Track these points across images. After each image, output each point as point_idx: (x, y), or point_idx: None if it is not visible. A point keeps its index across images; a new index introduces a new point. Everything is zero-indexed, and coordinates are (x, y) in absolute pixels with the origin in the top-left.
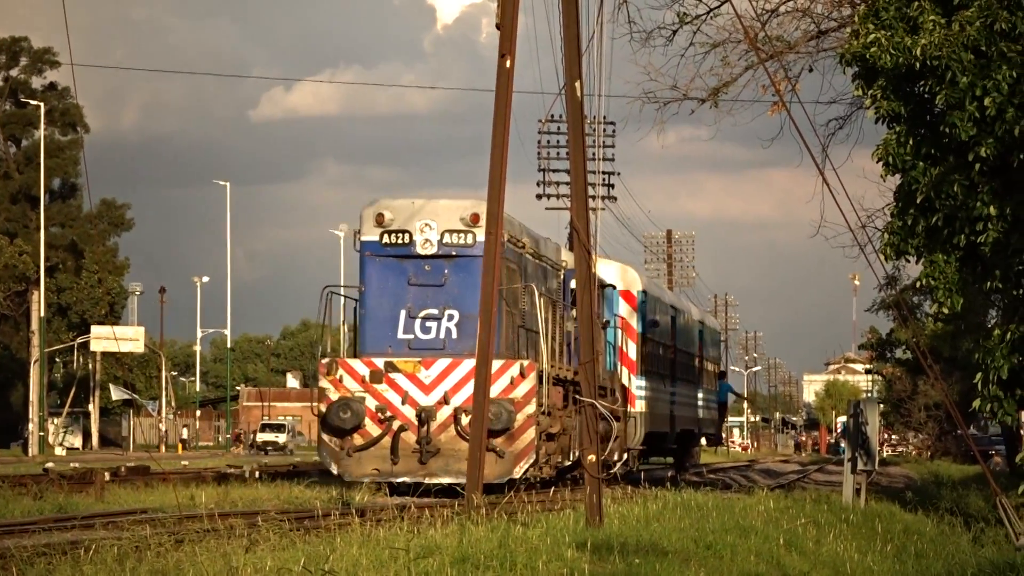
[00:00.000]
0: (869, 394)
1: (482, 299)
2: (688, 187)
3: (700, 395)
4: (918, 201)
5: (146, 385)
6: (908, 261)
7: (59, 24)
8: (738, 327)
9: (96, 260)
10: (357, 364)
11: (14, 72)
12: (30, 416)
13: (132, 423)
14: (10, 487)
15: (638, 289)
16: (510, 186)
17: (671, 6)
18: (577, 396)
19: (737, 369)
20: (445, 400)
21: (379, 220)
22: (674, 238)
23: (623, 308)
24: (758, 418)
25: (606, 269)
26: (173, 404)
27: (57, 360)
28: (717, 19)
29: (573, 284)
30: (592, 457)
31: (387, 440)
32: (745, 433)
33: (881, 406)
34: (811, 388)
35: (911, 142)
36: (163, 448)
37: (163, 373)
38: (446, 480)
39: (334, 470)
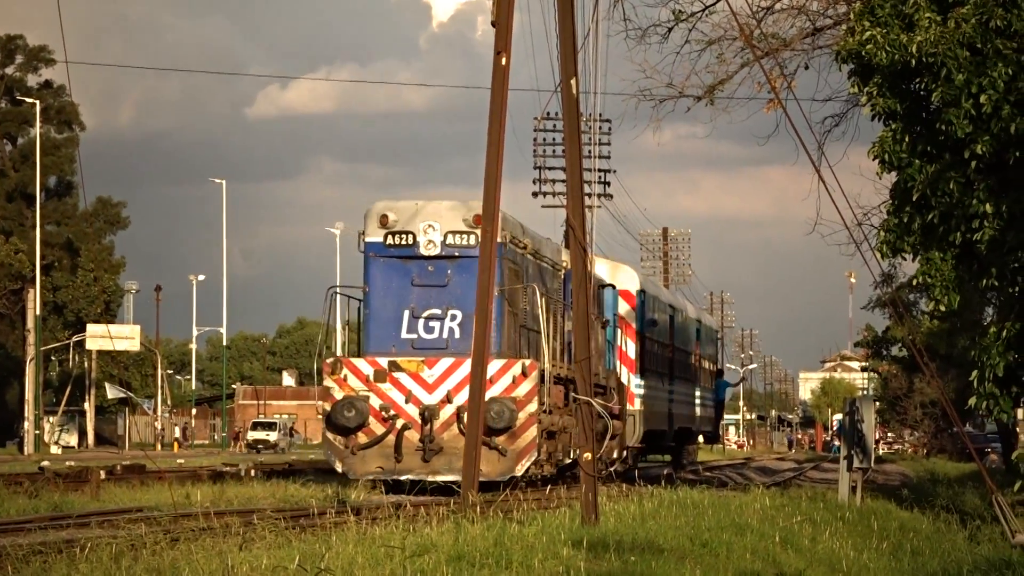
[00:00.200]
0: (865, 392)
1: (478, 295)
2: (684, 185)
3: (697, 393)
4: (914, 198)
5: (142, 383)
6: (904, 259)
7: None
8: (734, 325)
9: (92, 258)
10: (361, 363)
11: (9, 70)
12: (26, 414)
13: (128, 421)
14: (6, 485)
15: (637, 289)
16: (506, 184)
17: (666, 3)
18: (575, 395)
19: (733, 367)
20: (448, 399)
21: (383, 221)
22: (670, 236)
23: (622, 307)
24: (754, 416)
25: (605, 269)
26: (169, 402)
27: (53, 358)
28: (713, 16)
29: None
30: (588, 455)
31: (391, 438)
32: (741, 431)
33: (877, 404)
34: (807, 386)
35: (907, 139)
36: (159, 446)
37: (159, 371)
38: (449, 478)
39: (339, 468)
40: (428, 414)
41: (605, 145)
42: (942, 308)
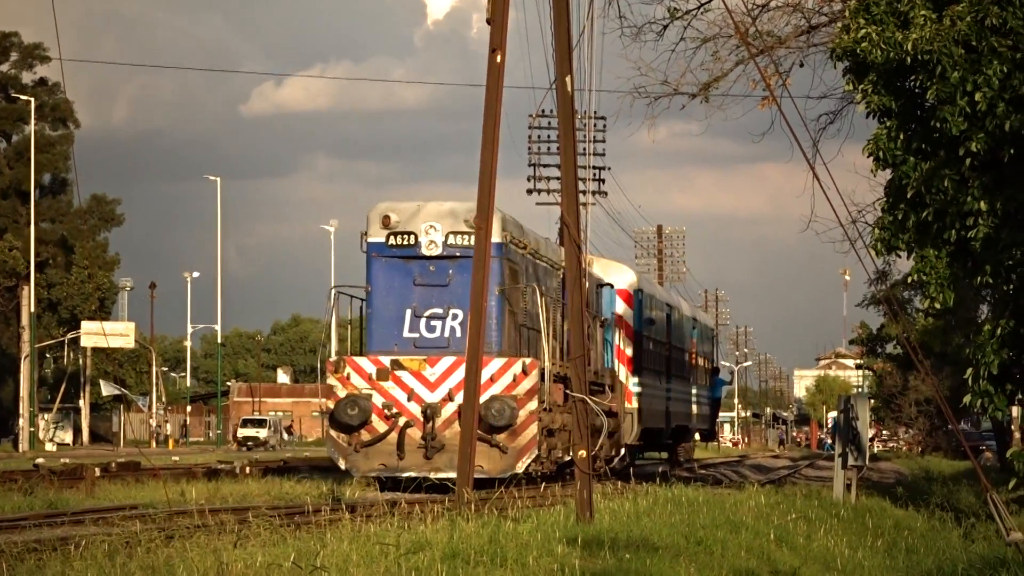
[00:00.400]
0: (860, 389)
1: (472, 291)
2: (679, 182)
3: (694, 391)
4: (909, 196)
5: (136, 381)
6: (899, 256)
7: (49, 19)
8: (729, 322)
9: (86, 255)
10: (364, 362)
11: (4, 67)
12: (20, 412)
13: (123, 419)
14: (0, 483)
15: (635, 288)
16: (501, 181)
17: (661, 1)
18: (568, 392)
19: (728, 364)
20: (450, 397)
21: (385, 222)
22: (665, 233)
23: (620, 306)
24: (749, 413)
25: (603, 268)
26: (164, 400)
27: (47, 356)
28: (708, 14)
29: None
30: (583, 452)
31: (393, 436)
32: (736, 428)
33: (872, 401)
34: (802, 383)
35: (902, 137)
36: (154, 444)
37: (154, 369)
38: (451, 475)
39: (342, 465)
40: (430, 412)
41: (600, 142)
42: (937, 306)
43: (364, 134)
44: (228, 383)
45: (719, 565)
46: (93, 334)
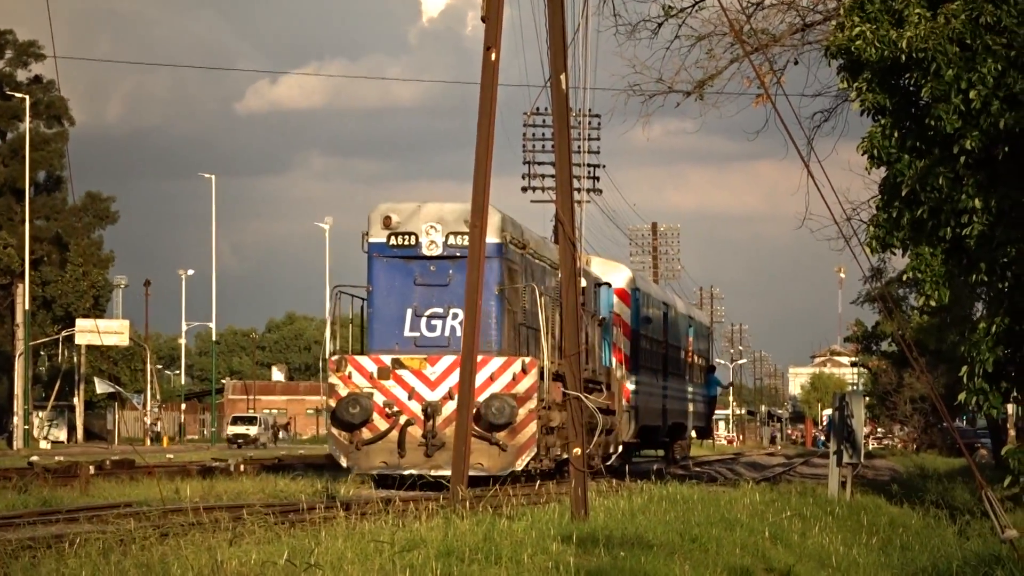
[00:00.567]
0: (855, 387)
1: (467, 289)
2: (674, 180)
3: (690, 389)
4: (903, 194)
5: (131, 378)
6: (893, 254)
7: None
8: (723, 320)
9: (81, 253)
10: (365, 361)
11: None
12: (15, 409)
13: (117, 416)
14: None
15: (632, 287)
16: (495, 178)
17: None
18: (564, 390)
19: (723, 362)
20: (450, 395)
21: (386, 223)
22: (659, 231)
23: (617, 305)
24: (743, 411)
25: (601, 267)
26: (158, 397)
27: (42, 353)
28: (702, 12)
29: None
30: (577, 450)
31: (394, 434)
32: (731, 426)
33: (867, 399)
34: (797, 381)
35: (896, 135)
36: (148, 441)
37: (148, 366)
38: (451, 472)
39: (344, 463)
40: (431, 410)
41: (595, 140)
42: (932, 303)
43: (359, 132)
44: (223, 381)
45: (714, 563)
46: (88, 332)
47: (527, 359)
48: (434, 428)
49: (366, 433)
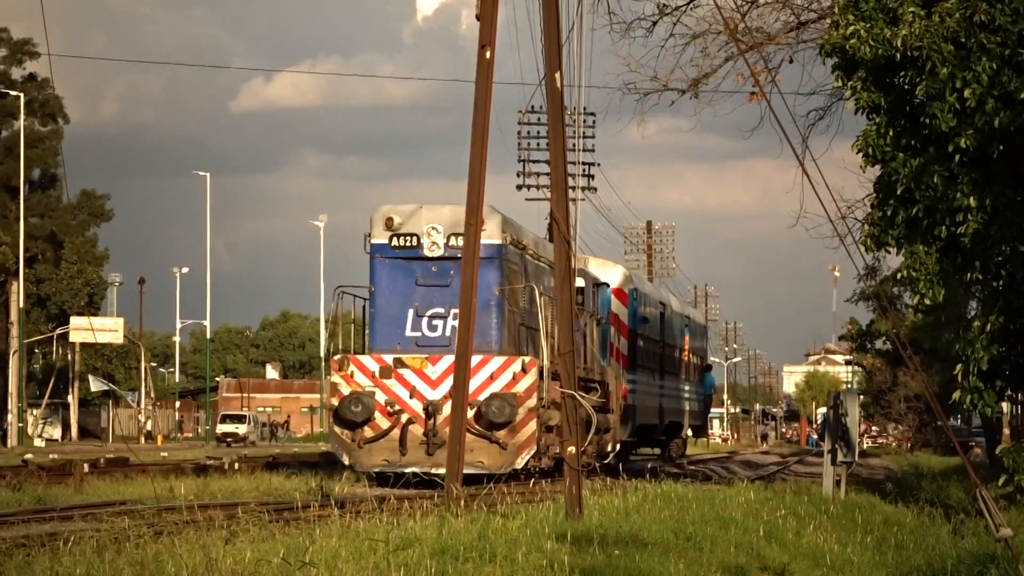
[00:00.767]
0: (849, 385)
1: (462, 288)
2: (668, 178)
3: (686, 388)
4: (898, 192)
5: (125, 376)
6: (888, 252)
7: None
8: (718, 318)
9: (75, 251)
10: (367, 360)
11: None
12: (9, 407)
13: (111, 414)
14: None
15: (630, 287)
16: (490, 177)
17: None
18: (560, 389)
19: (717, 360)
20: (451, 395)
21: (388, 224)
22: (654, 229)
23: (615, 305)
24: (738, 409)
25: (600, 267)
26: (152, 395)
27: (36, 351)
28: (697, 10)
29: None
30: (572, 448)
31: (396, 432)
32: (725, 424)
33: (861, 397)
34: (791, 379)
35: (891, 133)
36: (142, 439)
37: (142, 364)
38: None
39: (346, 460)
40: (432, 409)
41: (589, 138)
42: (926, 302)
43: (353, 130)
44: (217, 379)
45: (708, 561)
46: (82, 329)
47: (527, 359)
48: (435, 426)
49: (368, 431)
